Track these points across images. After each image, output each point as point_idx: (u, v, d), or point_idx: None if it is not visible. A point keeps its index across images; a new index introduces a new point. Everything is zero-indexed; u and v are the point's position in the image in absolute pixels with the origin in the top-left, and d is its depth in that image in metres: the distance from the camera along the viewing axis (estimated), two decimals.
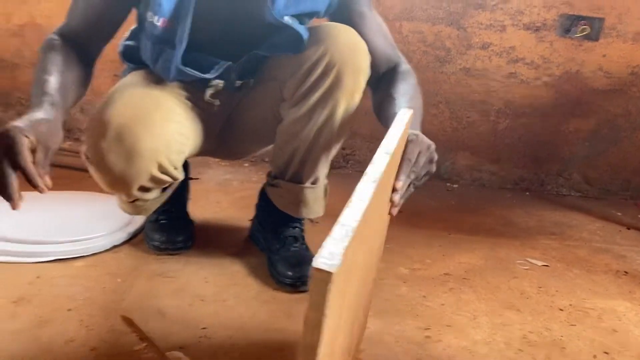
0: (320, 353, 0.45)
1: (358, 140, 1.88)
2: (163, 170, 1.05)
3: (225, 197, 1.61)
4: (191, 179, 1.38)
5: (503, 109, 1.82)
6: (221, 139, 1.20)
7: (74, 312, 1.03)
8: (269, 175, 1.25)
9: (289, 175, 1.17)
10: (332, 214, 1.39)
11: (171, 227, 1.28)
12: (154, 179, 1.05)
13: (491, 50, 1.76)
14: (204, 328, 1.02)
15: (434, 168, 0.90)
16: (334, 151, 1.14)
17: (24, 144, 0.77)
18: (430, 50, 1.76)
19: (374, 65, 1.05)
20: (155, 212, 1.29)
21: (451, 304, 1.16)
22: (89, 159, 1.03)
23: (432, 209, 1.67)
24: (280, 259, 1.19)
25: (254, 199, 1.56)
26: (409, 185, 0.85)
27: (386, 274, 1.26)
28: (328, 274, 0.40)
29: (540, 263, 1.37)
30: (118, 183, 1.03)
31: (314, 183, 1.17)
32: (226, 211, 1.52)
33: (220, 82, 1.13)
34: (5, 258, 1.16)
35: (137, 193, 1.08)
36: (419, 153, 0.86)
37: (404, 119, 0.84)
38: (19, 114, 1.96)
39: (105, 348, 0.94)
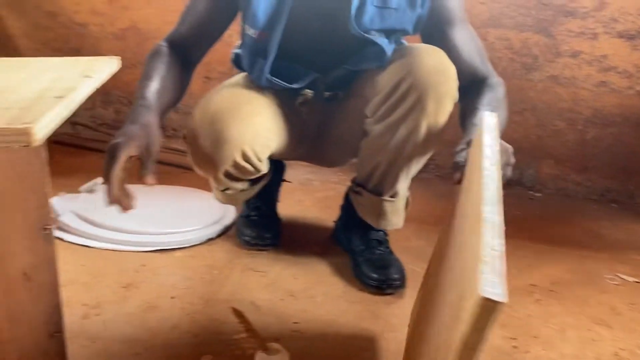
0: None
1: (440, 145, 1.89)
2: (246, 159, 1.10)
3: (307, 196, 1.66)
4: (284, 180, 1.44)
5: (591, 118, 1.77)
6: (314, 146, 1.25)
7: (177, 300, 1.11)
8: (353, 181, 1.29)
9: (371, 186, 1.20)
10: (412, 219, 1.41)
11: (261, 224, 1.35)
12: (237, 166, 1.10)
13: (581, 59, 1.71)
14: (296, 322, 1.07)
15: (509, 172, 0.90)
16: (415, 168, 1.16)
17: (121, 162, 0.81)
18: (517, 58, 1.74)
19: (460, 77, 1.06)
20: (247, 208, 1.36)
21: (538, 316, 1.15)
22: (186, 139, 1.12)
23: (515, 217, 1.65)
24: (364, 260, 1.23)
25: (335, 200, 1.60)
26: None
27: None
28: (497, 303, 0.43)
29: (631, 279, 1.33)
30: (206, 164, 1.11)
31: (393, 197, 1.20)
32: (309, 210, 1.57)
33: (309, 92, 1.18)
34: (114, 246, 1.26)
35: (225, 180, 1.14)
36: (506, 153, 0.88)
37: (492, 122, 0.84)
38: (117, 112, 2.11)
39: (206, 335, 1.01)
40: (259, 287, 1.18)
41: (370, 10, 1.05)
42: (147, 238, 1.28)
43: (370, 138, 1.14)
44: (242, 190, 1.22)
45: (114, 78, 1.99)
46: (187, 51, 1.15)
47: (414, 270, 1.28)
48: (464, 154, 0.89)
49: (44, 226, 0.66)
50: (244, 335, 1.00)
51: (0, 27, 2.06)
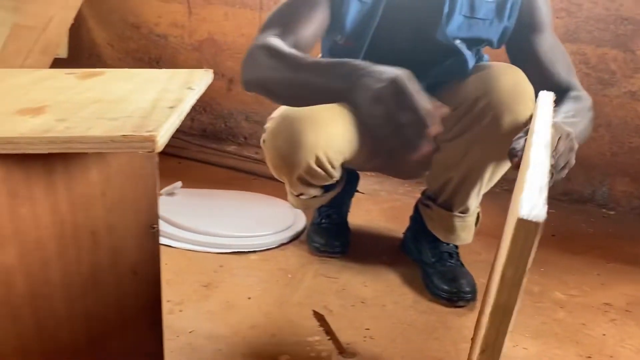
0: (514, 316, 0.46)
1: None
2: (319, 164, 1.12)
3: (375, 206, 1.69)
4: (357, 191, 1.48)
5: None
6: (389, 157, 1.27)
7: (254, 301, 1.16)
8: (423, 193, 1.31)
9: (441, 201, 1.21)
10: (481, 232, 1.40)
11: (331, 232, 1.38)
12: (310, 171, 1.12)
13: None
14: (367, 329, 1.09)
15: (573, 159, 0.88)
16: (487, 186, 1.17)
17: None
18: (593, 73, 1.70)
19: (543, 87, 1.06)
20: (318, 215, 1.40)
21: (613, 335, 1.13)
22: (265, 142, 1.15)
23: (588, 235, 1.61)
24: (435, 272, 1.24)
25: (401, 211, 1.62)
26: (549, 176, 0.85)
27: (542, 297, 1.25)
28: (534, 224, 0.40)
29: None
30: (281, 167, 1.14)
31: (463, 212, 1.21)
32: (376, 220, 1.60)
33: None
34: (194, 247, 1.33)
35: (299, 185, 1.17)
36: (559, 138, 0.85)
37: (548, 101, 0.83)
38: (192, 119, 2.19)
39: (283, 336, 1.05)
40: (330, 292, 1.21)
41: (457, 20, 1.07)
42: (225, 240, 1.34)
43: (444, 154, 1.15)
44: (316, 197, 1.26)
45: None
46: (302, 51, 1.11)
47: (484, 284, 1.28)
48: (521, 141, 0.86)
49: (152, 225, 0.71)
50: (319, 338, 1.04)
51: (88, 37, 2.21)
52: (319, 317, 0.87)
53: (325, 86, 0.85)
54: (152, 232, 0.71)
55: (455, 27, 1.08)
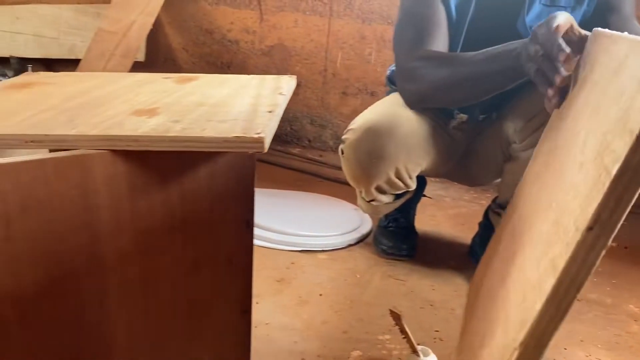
0: None
1: None
2: (399, 176, 1.17)
3: (439, 212, 1.70)
4: (424, 196, 1.50)
5: None
6: (460, 164, 1.30)
7: (325, 298, 1.20)
8: (494, 201, 1.31)
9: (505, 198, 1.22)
10: None
11: (398, 235, 1.41)
12: (389, 182, 1.18)
13: None
14: (436, 331, 1.12)
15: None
16: None
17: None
18: None
19: None
20: (385, 219, 1.43)
21: None
22: (343, 154, 1.19)
23: None
24: None
25: (467, 217, 1.63)
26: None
27: (615, 309, 1.24)
28: None
29: None
30: (360, 178, 1.18)
31: None
32: (442, 226, 1.61)
33: (464, 116, 1.23)
34: (267, 244, 1.39)
35: (374, 192, 1.22)
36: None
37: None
38: None
39: (354, 332, 1.09)
40: (398, 294, 1.24)
41: (537, 9, 1.07)
42: (296, 239, 1.39)
43: (517, 163, 1.15)
44: (387, 203, 1.29)
45: None
46: None
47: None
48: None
49: (247, 220, 0.77)
50: (389, 337, 1.07)
51: (164, 42, 2.33)
52: (395, 316, 0.90)
53: (502, 68, 0.94)
54: (247, 226, 0.77)
55: (535, 16, 1.08)
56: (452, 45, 1.12)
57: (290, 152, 2.13)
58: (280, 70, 2.14)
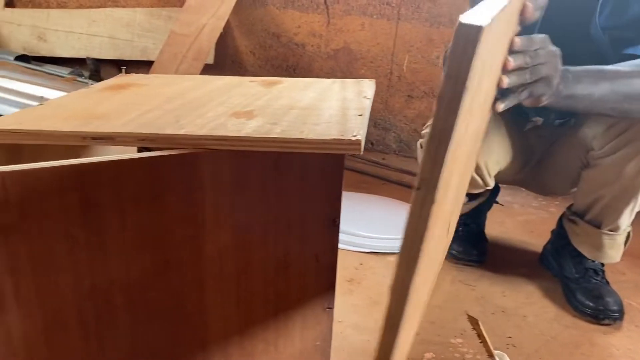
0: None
1: None
2: (479, 173, 1.17)
3: (508, 218, 1.69)
4: (497, 202, 1.50)
5: None
6: (535, 171, 1.28)
7: None
8: (569, 208, 1.29)
9: (589, 217, 1.20)
10: (627, 252, 1.34)
11: (468, 240, 1.41)
12: (470, 179, 1.17)
13: None
14: (509, 337, 1.11)
15: (552, 80, 0.81)
16: None
17: None
18: None
19: None
20: (457, 223, 1.43)
21: None
22: (422, 148, 1.20)
23: None
24: (579, 288, 1.22)
25: (537, 225, 1.60)
26: (522, 85, 0.78)
27: None
28: (477, 27, 0.38)
29: None
30: None
31: (613, 230, 1.18)
32: (511, 233, 1.59)
33: (539, 120, 1.22)
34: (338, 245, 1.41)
35: None
36: (540, 46, 0.80)
37: None
38: None
39: (426, 335, 1.10)
40: (469, 299, 1.24)
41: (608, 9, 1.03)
42: (365, 241, 1.42)
43: (596, 171, 1.13)
44: (464, 204, 1.29)
45: None
46: None
47: (630, 305, 1.25)
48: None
49: (334, 219, 0.80)
50: (462, 341, 1.07)
51: (232, 45, 2.40)
52: (473, 321, 0.91)
53: None
54: (334, 225, 0.80)
55: (607, 16, 1.04)
56: None
57: (354, 155, 2.15)
58: (345, 73, 2.17)
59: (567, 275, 1.26)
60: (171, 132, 0.69)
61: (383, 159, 2.14)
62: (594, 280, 1.23)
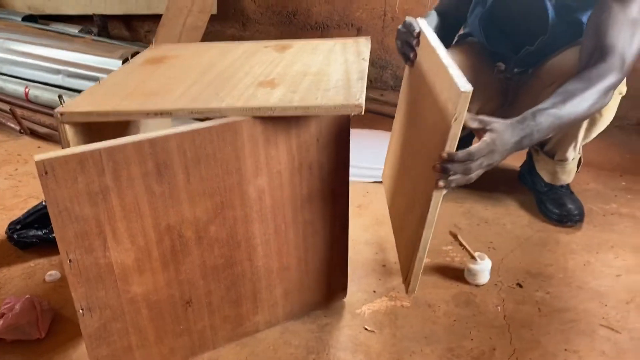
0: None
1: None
2: None
3: None
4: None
5: None
6: (511, 108, 1.48)
7: None
8: None
9: (546, 149, 1.43)
10: (592, 165, 1.57)
11: None
12: None
13: None
14: (491, 242, 1.37)
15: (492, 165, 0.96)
16: (583, 141, 1.36)
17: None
18: None
19: (589, 43, 1.12)
20: None
21: None
22: None
23: None
24: (548, 199, 1.47)
25: None
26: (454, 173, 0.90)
27: None
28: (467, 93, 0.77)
29: None
30: None
31: (562, 160, 1.41)
32: None
33: (501, 65, 1.42)
34: None
35: None
36: (484, 156, 0.92)
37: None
38: None
39: None
40: (458, 214, 1.49)
41: None
42: (368, 172, 1.65)
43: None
44: None
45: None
46: (447, 15, 1.40)
47: (592, 209, 1.49)
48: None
49: (344, 162, 1.02)
50: (451, 247, 1.33)
51: None
52: (453, 235, 1.14)
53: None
54: (344, 167, 1.02)
55: None
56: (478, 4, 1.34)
57: None
58: (342, 16, 2.31)
59: (539, 189, 1.50)
60: (215, 105, 0.90)
61: (382, 95, 2.33)
62: (560, 192, 1.46)
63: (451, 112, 0.85)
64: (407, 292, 1.00)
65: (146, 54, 1.27)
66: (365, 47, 1.19)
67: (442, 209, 1.51)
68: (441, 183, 0.89)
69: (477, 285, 1.21)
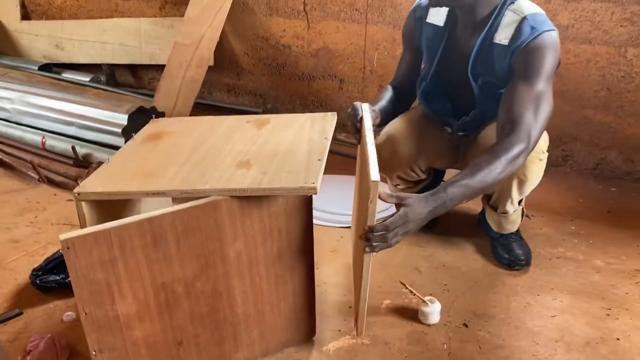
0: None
1: (578, 144, 2.19)
2: (412, 169, 1.63)
3: None
4: (443, 181, 1.92)
5: None
6: (463, 162, 1.70)
7: None
8: None
9: (491, 202, 1.63)
10: (545, 209, 1.81)
11: None
12: (406, 173, 1.64)
13: None
14: (445, 284, 1.57)
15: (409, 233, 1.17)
16: (518, 198, 1.55)
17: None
18: None
19: (502, 118, 1.35)
20: None
21: (634, 294, 1.51)
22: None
23: None
24: (499, 244, 1.67)
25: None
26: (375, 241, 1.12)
27: (584, 264, 1.65)
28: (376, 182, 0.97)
29: None
30: (385, 169, 1.64)
31: (504, 213, 1.61)
32: None
33: (448, 129, 1.65)
34: (322, 222, 1.86)
35: (396, 179, 1.69)
36: (399, 226, 1.13)
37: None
38: (311, 111, 2.70)
39: (386, 287, 1.56)
40: (419, 257, 1.70)
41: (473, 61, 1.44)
42: (344, 218, 1.86)
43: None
44: (409, 187, 1.73)
45: (309, 87, 2.65)
46: (401, 89, 1.66)
47: (540, 253, 1.70)
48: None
49: (309, 223, 1.23)
50: (409, 290, 1.54)
51: (229, 48, 2.78)
52: (402, 284, 1.35)
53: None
54: (309, 229, 1.24)
55: (472, 66, 1.45)
56: (426, 77, 1.57)
57: (336, 137, 2.56)
58: (326, 68, 2.55)
59: (492, 235, 1.71)
60: (200, 187, 1.13)
61: None
62: (511, 238, 1.67)
63: (368, 194, 1.06)
64: (357, 334, 1.21)
65: (147, 129, 1.50)
66: (330, 124, 1.42)
67: (406, 253, 1.72)
68: (367, 249, 1.11)
69: (428, 325, 1.41)
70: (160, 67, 2.97)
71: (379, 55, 2.43)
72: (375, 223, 1.11)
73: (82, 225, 1.18)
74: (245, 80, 2.82)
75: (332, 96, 2.62)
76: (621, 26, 1.96)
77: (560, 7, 2.02)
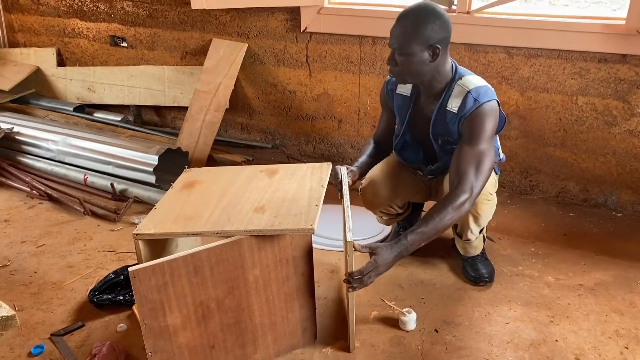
0: None
1: (542, 175, 2.56)
2: (391, 207, 2.01)
3: None
4: (423, 211, 2.30)
5: None
6: (432, 197, 2.07)
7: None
8: None
9: (457, 230, 1.97)
10: (511, 232, 2.21)
11: None
12: (386, 209, 2.03)
13: None
14: (422, 298, 1.94)
15: (370, 279, 1.58)
16: (478, 229, 1.90)
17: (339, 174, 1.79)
18: (600, 117, 2.31)
19: (452, 175, 1.71)
20: (398, 225, 2.24)
21: (575, 304, 1.87)
22: (360, 192, 2.03)
23: (592, 233, 2.28)
24: (467, 264, 2.03)
25: None
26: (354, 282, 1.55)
27: (538, 280, 2.01)
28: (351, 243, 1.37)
29: None
30: (368, 206, 2.05)
31: (467, 240, 1.95)
32: None
33: (419, 172, 2.02)
34: (321, 247, 2.23)
35: (379, 214, 2.07)
36: (371, 271, 1.55)
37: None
38: (314, 146, 3.09)
39: (374, 301, 1.93)
40: (402, 276, 2.06)
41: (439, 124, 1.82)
42: (339, 243, 2.24)
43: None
44: (392, 218, 2.11)
45: (312, 126, 3.07)
46: (381, 141, 2.05)
47: (502, 271, 2.06)
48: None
49: (310, 255, 1.61)
50: (395, 303, 1.90)
51: (242, 93, 3.18)
52: (382, 300, 1.72)
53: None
54: (309, 257, 1.62)
55: (433, 128, 1.83)
56: (400, 136, 1.94)
57: None
58: (326, 110, 2.94)
59: (462, 256, 2.07)
60: (228, 228, 1.51)
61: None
62: (476, 259, 2.03)
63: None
64: (350, 350, 1.60)
65: (182, 178, 1.90)
66: (325, 174, 1.81)
67: (390, 272, 2.08)
68: (349, 289, 1.52)
69: (407, 331, 1.78)
70: (181, 109, 3.38)
71: (370, 100, 2.82)
72: (353, 270, 1.51)
73: (139, 257, 1.57)
74: (256, 120, 3.22)
75: (332, 134, 3.00)
76: (572, 79, 2.33)
77: (522, 62, 2.40)
